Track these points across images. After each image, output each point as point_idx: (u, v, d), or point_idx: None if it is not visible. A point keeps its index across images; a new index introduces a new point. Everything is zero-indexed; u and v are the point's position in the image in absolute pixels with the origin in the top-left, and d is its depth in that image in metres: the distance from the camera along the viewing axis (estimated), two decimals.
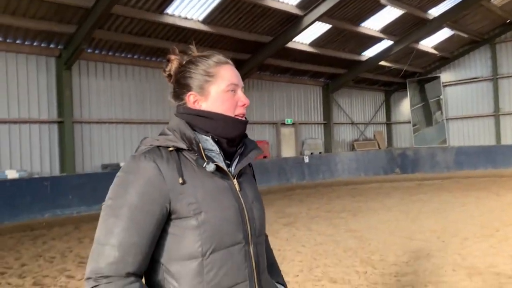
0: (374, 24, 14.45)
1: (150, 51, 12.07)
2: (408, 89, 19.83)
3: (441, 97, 18.90)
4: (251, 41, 12.96)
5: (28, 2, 8.81)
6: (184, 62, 1.32)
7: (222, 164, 1.24)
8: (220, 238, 1.17)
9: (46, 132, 10.41)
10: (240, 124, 1.29)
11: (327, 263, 5.34)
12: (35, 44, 10.18)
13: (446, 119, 18.86)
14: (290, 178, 15.30)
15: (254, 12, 11.64)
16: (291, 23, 12.51)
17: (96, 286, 1.07)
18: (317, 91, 18.04)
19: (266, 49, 13.40)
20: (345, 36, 14.59)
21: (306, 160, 16.08)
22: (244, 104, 1.31)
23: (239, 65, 14.00)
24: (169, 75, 1.34)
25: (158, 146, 1.20)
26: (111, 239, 1.09)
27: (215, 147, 1.25)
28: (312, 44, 14.59)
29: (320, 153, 17.25)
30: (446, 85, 19.04)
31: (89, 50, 10.88)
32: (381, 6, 13.26)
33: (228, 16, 11.56)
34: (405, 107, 20.47)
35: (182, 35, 11.65)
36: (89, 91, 11.22)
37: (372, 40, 15.60)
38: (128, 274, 1.10)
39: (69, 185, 9.89)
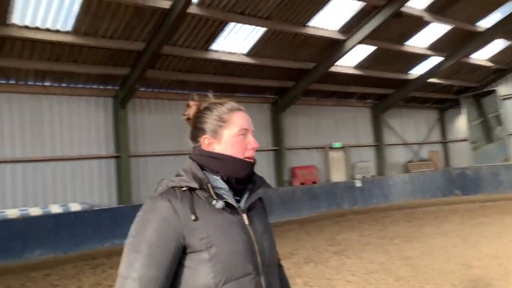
0: (420, 41, 14.13)
1: (198, 86, 12.64)
2: (463, 105, 18.88)
3: (501, 111, 17.79)
4: (295, 68, 13.16)
5: (87, 51, 9.71)
6: (201, 108, 1.47)
7: (232, 200, 1.34)
8: (231, 270, 1.25)
9: (104, 166, 11.15)
10: (248, 165, 1.41)
11: None
12: (93, 86, 11.09)
13: (508, 134, 17.64)
14: (341, 203, 14.95)
15: (296, 41, 11.88)
16: (334, 48, 12.58)
17: None
18: (366, 113, 17.69)
19: (310, 75, 13.52)
20: (390, 56, 14.36)
21: (358, 184, 15.65)
22: (253, 147, 1.42)
23: (283, 92, 14.23)
24: (188, 119, 1.48)
25: (173, 187, 1.34)
26: (132, 273, 1.22)
27: (224, 185, 1.37)
28: (357, 66, 14.50)
29: (372, 176, 16.76)
30: (505, 98, 17.92)
31: (142, 89, 11.61)
32: (426, 23, 12.97)
33: (271, 47, 11.88)
34: (461, 124, 19.41)
35: (228, 69, 12.15)
36: (143, 126, 11.93)
37: (419, 58, 15.22)
38: None
39: (126, 216, 10.31)
